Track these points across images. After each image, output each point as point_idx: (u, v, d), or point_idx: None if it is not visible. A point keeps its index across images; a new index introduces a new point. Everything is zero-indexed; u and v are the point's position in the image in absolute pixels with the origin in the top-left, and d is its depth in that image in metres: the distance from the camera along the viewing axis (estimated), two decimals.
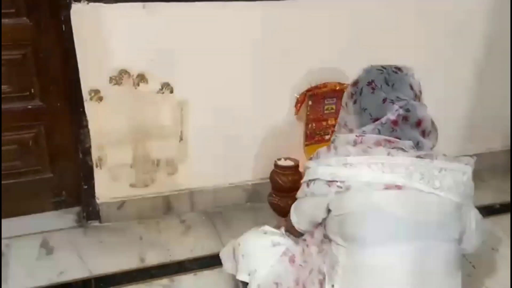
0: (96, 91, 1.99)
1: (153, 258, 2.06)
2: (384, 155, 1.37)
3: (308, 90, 2.25)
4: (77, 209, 2.28)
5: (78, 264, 2.00)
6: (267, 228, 1.74)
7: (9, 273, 1.94)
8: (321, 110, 2.31)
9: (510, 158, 2.18)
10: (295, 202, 1.59)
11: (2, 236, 2.11)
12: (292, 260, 1.58)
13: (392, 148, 1.38)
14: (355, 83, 1.49)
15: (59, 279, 1.91)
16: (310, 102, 2.27)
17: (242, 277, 1.66)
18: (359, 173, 1.36)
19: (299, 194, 1.55)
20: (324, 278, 1.47)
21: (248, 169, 2.39)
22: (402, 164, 1.35)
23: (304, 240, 1.60)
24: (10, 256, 2.02)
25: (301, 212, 1.56)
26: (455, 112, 2.64)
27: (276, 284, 1.56)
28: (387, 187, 1.34)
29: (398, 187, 1.34)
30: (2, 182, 2.14)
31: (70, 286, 1.90)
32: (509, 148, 2.80)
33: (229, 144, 2.28)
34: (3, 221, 2.16)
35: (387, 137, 1.39)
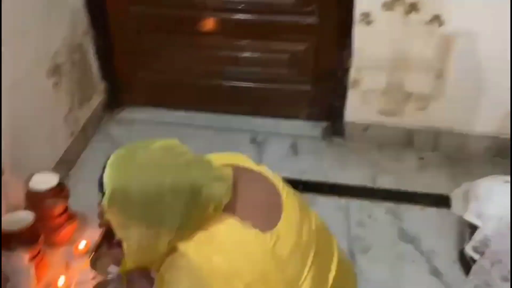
0: (367, 15, 2.08)
1: (384, 183, 2.16)
2: None
3: None
4: (325, 123, 2.47)
5: (318, 169, 2.23)
6: (509, 178, 1.67)
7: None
8: None
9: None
10: None
11: (262, 130, 2.44)
12: None
13: None
14: None
15: (300, 176, 2.17)
16: None
17: (470, 217, 1.65)
18: None
19: None
20: None
21: (501, 121, 2.24)
22: None
23: None
24: (265, 148, 2.36)
25: None
26: None
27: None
28: None
29: None
30: (269, 86, 2.45)
31: (308, 184, 2.13)
32: None
33: (485, 91, 2.16)
34: (264, 119, 2.50)
35: None
